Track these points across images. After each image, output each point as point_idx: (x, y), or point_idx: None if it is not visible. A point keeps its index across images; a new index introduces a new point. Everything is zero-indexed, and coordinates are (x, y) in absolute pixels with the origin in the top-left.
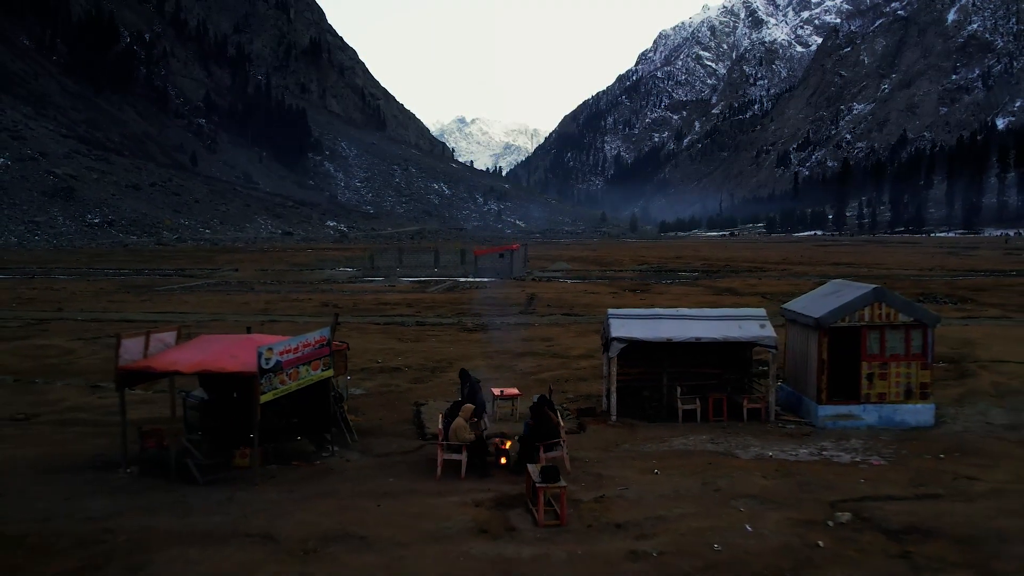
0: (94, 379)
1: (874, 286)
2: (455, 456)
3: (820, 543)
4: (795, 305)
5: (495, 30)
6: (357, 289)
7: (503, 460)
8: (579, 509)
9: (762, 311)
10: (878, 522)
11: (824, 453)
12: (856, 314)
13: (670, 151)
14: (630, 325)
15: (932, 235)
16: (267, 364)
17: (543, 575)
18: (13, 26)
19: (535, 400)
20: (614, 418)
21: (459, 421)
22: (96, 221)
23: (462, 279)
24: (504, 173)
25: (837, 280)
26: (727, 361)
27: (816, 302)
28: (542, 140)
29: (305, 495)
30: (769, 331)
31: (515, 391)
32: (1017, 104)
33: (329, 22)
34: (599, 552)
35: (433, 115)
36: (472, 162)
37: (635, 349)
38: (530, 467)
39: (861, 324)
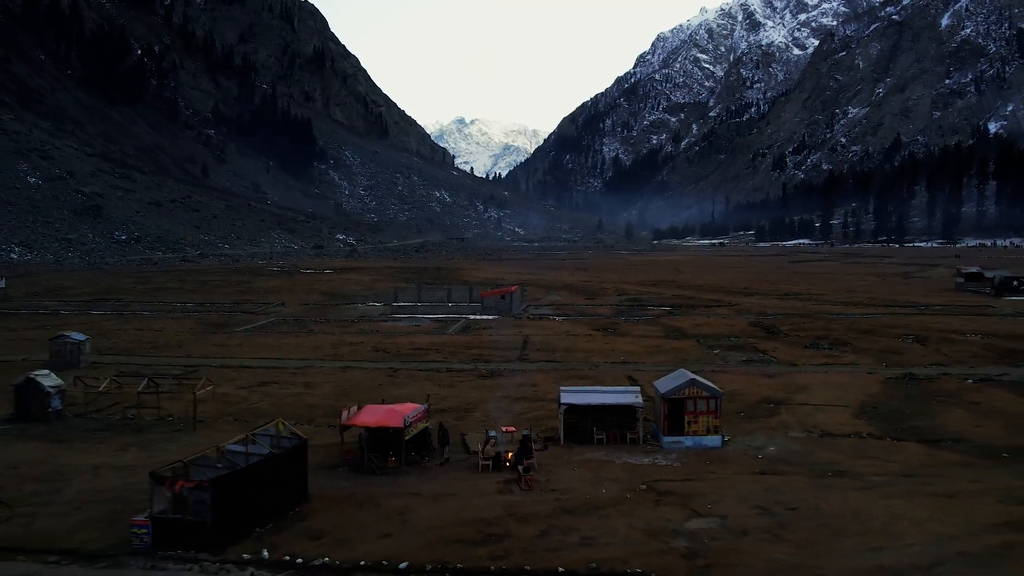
0: (277, 415)
1: (692, 376)
2: (487, 461)
3: (628, 496)
4: (657, 383)
5: (495, 32)
6: (392, 330)
7: (507, 463)
8: (538, 484)
9: (637, 388)
10: (657, 489)
11: (656, 460)
12: (681, 391)
13: (668, 153)
14: (571, 396)
15: (911, 246)
16: (407, 423)
17: (523, 505)
18: (31, 41)
19: (523, 435)
20: (562, 443)
21: (488, 446)
22: (123, 238)
23: (472, 316)
24: (503, 175)
25: (681, 370)
26: (621, 413)
27: (666, 383)
28: (541, 141)
29: (424, 479)
30: (639, 399)
31: (512, 428)
32: (1009, 108)
33: (332, 29)
34: (544, 499)
35: (433, 116)
36: (472, 168)
37: (573, 407)
38: (519, 466)
39: (683, 396)
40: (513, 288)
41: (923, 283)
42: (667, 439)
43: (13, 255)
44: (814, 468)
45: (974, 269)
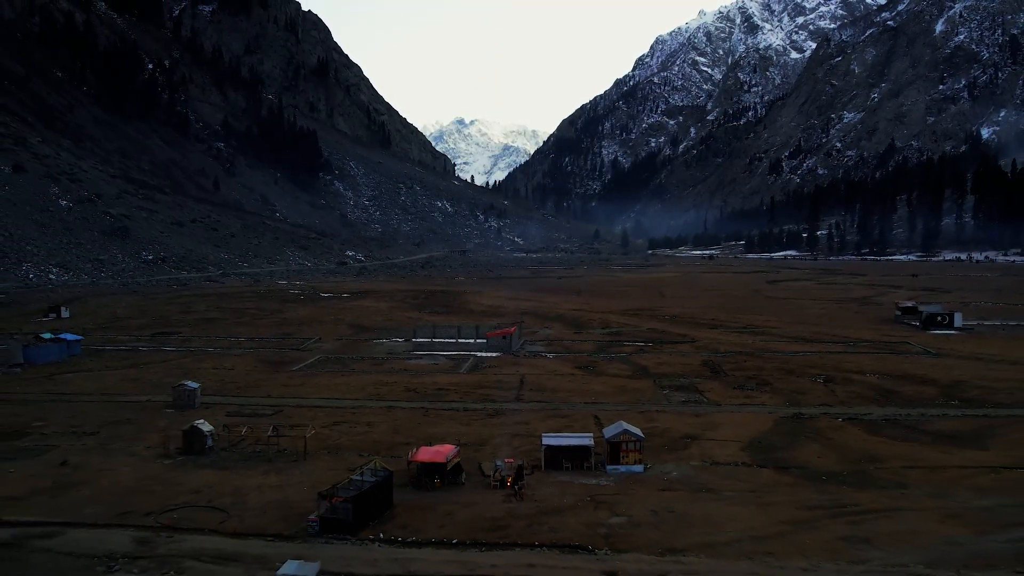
0: (356, 451)
1: (625, 427)
2: (496, 483)
3: (579, 504)
4: (604, 431)
5: (495, 32)
6: (416, 368)
7: (508, 483)
8: (528, 496)
9: (591, 434)
10: (597, 500)
11: (599, 482)
12: (618, 436)
13: (666, 157)
14: (549, 439)
15: (889, 260)
16: (448, 459)
17: (518, 510)
18: (48, 59)
19: (518, 464)
20: (543, 470)
21: (497, 473)
22: (150, 258)
23: (479, 354)
24: (503, 176)
25: (620, 422)
26: (580, 451)
27: (609, 431)
28: (540, 143)
29: (458, 494)
30: (591, 442)
31: (511, 459)
32: (1001, 114)
33: (335, 39)
34: (530, 506)
35: (433, 116)
36: (472, 176)
37: (550, 447)
38: (516, 486)
39: (620, 440)
40: (512, 329)
41: (873, 311)
42: (609, 467)
43: (52, 275)
44: (695, 486)
45: (910, 304)
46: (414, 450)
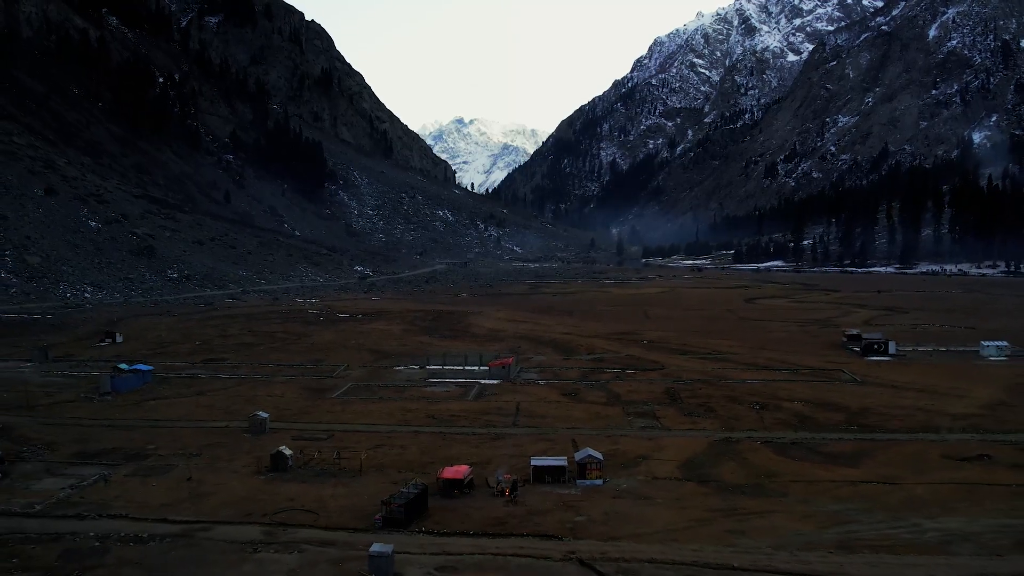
0: (396, 469)
1: (589, 453)
2: (498, 492)
3: (556, 507)
4: (576, 455)
5: (494, 32)
6: (432, 396)
7: (506, 493)
8: (520, 502)
9: (565, 457)
10: (568, 505)
11: (569, 491)
12: (584, 459)
13: (664, 159)
14: (536, 460)
15: (868, 272)
16: (465, 476)
17: (514, 511)
18: (64, 76)
19: (513, 479)
20: (532, 482)
21: (499, 485)
22: (175, 276)
23: (483, 381)
24: (502, 177)
25: (587, 448)
26: (558, 469)
27: (579, 455)
28: (539, 143)
29: (473, 499)
30: (565, 462)
31: (509, 475)
32: (993, 119)
33: (337, 48)
34: (522, 508)
35: (432, 115)
36: (472, 185)
37: (537, 466)
38: (512, 494)
39: (586, 462)
40: (510, 360)
41: (827, 335)
42: (579, 481)
43: (87, 294)
44: (636, 494)
45: (855, 331)
46: (440, 469)
